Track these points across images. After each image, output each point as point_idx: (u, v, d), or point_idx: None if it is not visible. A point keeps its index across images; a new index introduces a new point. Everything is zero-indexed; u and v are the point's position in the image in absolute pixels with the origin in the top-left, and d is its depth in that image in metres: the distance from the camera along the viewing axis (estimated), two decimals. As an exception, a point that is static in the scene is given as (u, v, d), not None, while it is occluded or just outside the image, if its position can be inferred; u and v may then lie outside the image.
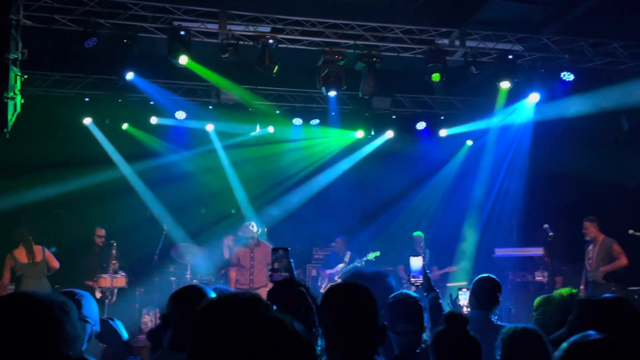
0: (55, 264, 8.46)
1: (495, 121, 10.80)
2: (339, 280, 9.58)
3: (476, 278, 4.30)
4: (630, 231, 7.90)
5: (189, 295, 2.44)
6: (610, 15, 8.51)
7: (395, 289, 3.55)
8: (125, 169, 10.49)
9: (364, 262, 9.71)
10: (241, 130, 10.84)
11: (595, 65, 9.30)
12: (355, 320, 2.18)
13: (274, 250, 2.97)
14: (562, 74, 9.06)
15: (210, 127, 10.78)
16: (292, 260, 2.98)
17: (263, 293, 8.97)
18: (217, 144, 11.22)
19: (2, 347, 1.42)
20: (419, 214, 11.50)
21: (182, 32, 7.89)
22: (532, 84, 9.25)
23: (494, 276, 4.30)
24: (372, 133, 11.20)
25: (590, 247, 8.37)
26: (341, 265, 9.90)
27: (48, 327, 1.50)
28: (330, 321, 2.22)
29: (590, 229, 8.28)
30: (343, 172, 11.70)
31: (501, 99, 9.89)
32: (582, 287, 8.40)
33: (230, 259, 9.42)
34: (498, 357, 2.68)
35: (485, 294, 4.16)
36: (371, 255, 9.76)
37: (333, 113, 10.98)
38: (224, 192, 10.99)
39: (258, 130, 10.82)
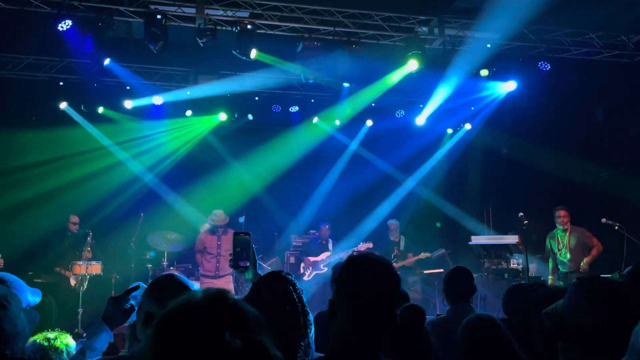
0: None
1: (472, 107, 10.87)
2: (325, 270, 9.51)
3: (448, 271, 4.30)
4: (603, 220, 8.00)
5: (166, 288, 2.23)
6: (586, 5, 8.58)
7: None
8: (105, 153, 10.35)
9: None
10: (217, 117, 10.74)
11: (571, 55, 9.40)
12: (383, 305, 1.84)
13: (236, 234, 2.61)
14: (539, 64, 9.13)
15: (189, 113, 10.65)
16: (254, 245, 2.65)
17: (228, 281, 8.86)
18: (197, 130, 11.13)
19: None
20: (395, 201, 11.52)
21: (159, 16, 7.77)
22: (509, 72, 9.32)
23: (463, 266, 4.34)
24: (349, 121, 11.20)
25: (558, 237, 8.38)
26: (327, 254, 9.85)
27: None
28: (353, 303, 1.84)
29: (566, 217, 8.35)
30: (323, 162, 11.70)
31: (482, 87, 10.00)
32: (551, 276, 8.47)
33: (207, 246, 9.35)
34: None
35: (465, 285, 4.16)
36: (363, 246, 9.58)
37: (313, 100, 10.95)
38: (204, 179, 10.91)
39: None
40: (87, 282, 8.44)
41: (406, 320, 2.28)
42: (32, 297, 2.53)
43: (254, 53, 8.14)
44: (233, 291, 8.83)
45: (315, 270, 9.73)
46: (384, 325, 1.81)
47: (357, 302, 1.81)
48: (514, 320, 2.97)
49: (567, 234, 8.29)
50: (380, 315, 1.81)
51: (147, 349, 1.04)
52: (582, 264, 8.13)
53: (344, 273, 1.91)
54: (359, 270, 1.91)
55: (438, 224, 11.54)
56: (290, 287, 2.25)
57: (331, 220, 10.64)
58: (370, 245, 9.66)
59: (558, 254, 8.37)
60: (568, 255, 8.25)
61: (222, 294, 1.07)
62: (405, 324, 2.27)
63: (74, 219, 9.06)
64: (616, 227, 7.85)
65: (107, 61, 8.25)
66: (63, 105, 9.91)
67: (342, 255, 9.50)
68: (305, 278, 9.56)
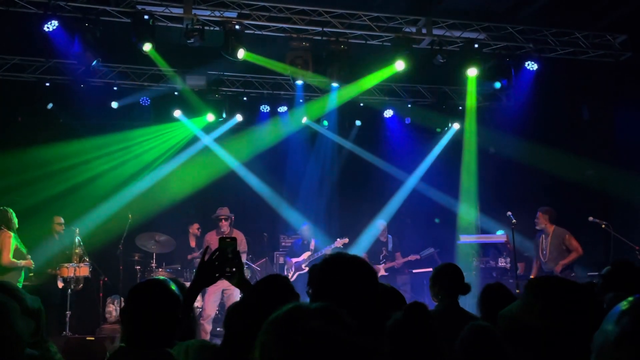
0: None
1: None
2: (306, 270, 9.52)
3: (436, 268, 4.13)
4: (590, 218, 8.06)
5: (150, 292, 2.29)
6: (572, 5, 8.66)
7: None
8: (94, 157, 10.25)
9: (332, 249, 9.62)
10: (205, 117, 10.68)
11: (558, 54, 9.47)
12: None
13: (221, 239, 2.58)
14: (526, 64, 9.20)
15: (177, 113, 10.59)
16: (239, 250, 2.65)
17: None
18: (185, 132, 11.07)
19: None
20: (384, 201, 11.53)
21: (146, 17, 7.73)
22: (496, 72, 9.37)
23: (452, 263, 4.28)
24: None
25: (542, 237, 8.42)
26: (307, 254, 9.83)
27: None
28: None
29: (541, 219, 8.35)
30: (310, 160, 11.69)
31: (471, 86, 10.03)
32: (532, 277, 8.49)
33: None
34: None
35: (452, 282, 4.03)
36: (339, 242, 9.64)
37: (301, 100, 10.94)
38: (191, 178, 10.85)
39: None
40: (81, 284, 8.38)
41: (411, 317, 2.32)
42: (31, 303, 2.55)
43: (241, 53, 8.13)
44: (237, 290, 8.78)
45: (298, 271, 9.74)
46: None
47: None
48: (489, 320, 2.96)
49: (550, 235, 8.33)
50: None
51: (263, 348, 1.21)
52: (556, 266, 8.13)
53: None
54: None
55: (437, 220, 11.54)
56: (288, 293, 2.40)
57: (322, 220, 10.64)
58: (346, 240, 9.68)
59: (540, 254, 8.41)
60: (547, 256, 8.31)
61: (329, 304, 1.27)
62: (410, 321, 2.31)
63: (58, 219, 8.96)
64: (603, 226, 7.91)
65: (94, 62, 8.19)
66: (49, 106, 9.83)
67: (320, 254, 9.49)
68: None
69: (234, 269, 2.54)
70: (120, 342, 2.37)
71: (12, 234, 7.63)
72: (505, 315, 1.84)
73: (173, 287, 2.32)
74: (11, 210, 7.85)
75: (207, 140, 11.11)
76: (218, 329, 8.82)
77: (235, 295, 8.47)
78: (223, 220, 8.83)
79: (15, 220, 7.82)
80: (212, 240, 8.70)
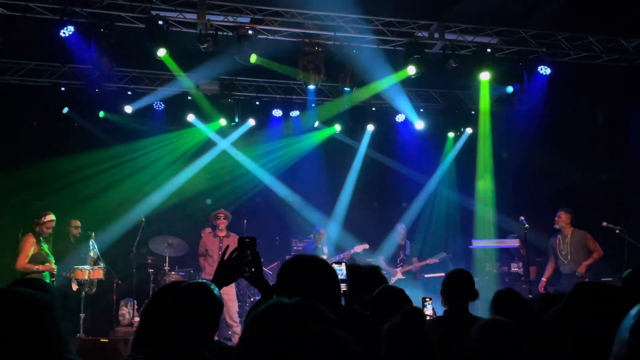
0: None
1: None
2: None
3: (448, 273, 4.11)
4: (604, 223, 8.01)
5: (198, 294, 2.27)
6: (585, 9, 8.62)
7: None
8: (107, 158, 10.32)
9: (351, 254, 9.59)
10: (218, 122, 10.73)
11: (571, 59, 9.43)
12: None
13: (241, 239, 2.56)
14: (539, 68, 9.17)
15: (191, 117, 10.65)
16: (258, 251, 2.64)
17: (231, 285, 8.90)
18: (199, 136, 11.14)
19: None
20: (400, 205, 11.51)
21: (160, 22, 7.81)
22: (509, 76, 9.34)
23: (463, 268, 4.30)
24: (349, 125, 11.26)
25: (559, 238, 8.40)
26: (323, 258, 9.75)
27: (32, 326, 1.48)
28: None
29: (563, 218, 8.33)
30: (323, 164, 11.70)
31: (484, 91, 10.00)
32: (544, 279, 8.42)
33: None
34: None
35: (462, 286, 3.97)
36: (359, 248, 9.59)
37: (313, 105, 10.97)
38: (203, 182, 10.92)
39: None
40: (89, 287, 8.43)
41: (407, 322, 2.37)
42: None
43: (254, 58, 8.18)
44: (235, 295, 8.84)
45: None
46: None
47: None
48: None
49: (569, 236, 8.29)
50: None
51: (244, 342, 1.28)
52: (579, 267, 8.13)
53: None
54: None
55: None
56: None
57: (333, 223, 10.62)
58: (366, 246, 9.62)
59: (559, 255, 8.36)
60: (568, 257, 8.24)
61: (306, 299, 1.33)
62: (406, 326, 2.36)
63: (76, 222, 9.02)
64: (617, 231, 7.85)
65: (109, 67, 8.28)
66: (65, 110, 9.93)
67: (336, 258, 9.44)
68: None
69: (252, 269, 2.55)
70: (135, 343, 2.38)
71: (34, 239, 7.71)
72: (552, 319, 1.88)
73: (216, 290, 2.32)
74: (53, 217, 7.90)
75: (220, 144, 11.16)
76: (229, 332, 8.84)
77: (232, 298, 8.57)
78: (222, 219, 8.87)
79: (51, 227, 7.90)
80: (208, 240, 8.81)
